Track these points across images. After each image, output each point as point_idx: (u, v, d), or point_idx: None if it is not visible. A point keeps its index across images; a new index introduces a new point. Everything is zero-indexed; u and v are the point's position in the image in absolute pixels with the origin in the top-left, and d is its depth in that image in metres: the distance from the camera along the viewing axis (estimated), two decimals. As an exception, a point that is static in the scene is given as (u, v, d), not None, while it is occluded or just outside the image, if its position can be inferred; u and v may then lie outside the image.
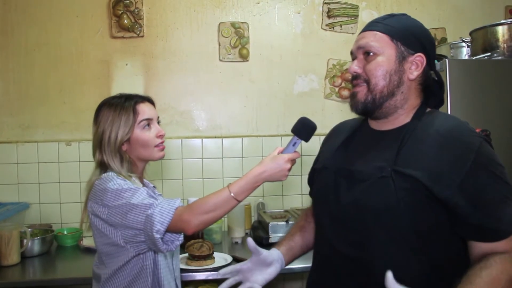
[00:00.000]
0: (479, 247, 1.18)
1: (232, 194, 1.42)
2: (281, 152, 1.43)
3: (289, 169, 1.42)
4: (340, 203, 1.29)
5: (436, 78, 1.37)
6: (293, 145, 1.42)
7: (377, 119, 1.35)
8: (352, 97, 1.34)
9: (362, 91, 1.31)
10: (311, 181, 1.55)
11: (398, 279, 1.19)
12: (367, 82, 1.29)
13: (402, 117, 1.31)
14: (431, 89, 1.34)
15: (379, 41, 1.28)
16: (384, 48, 1.28)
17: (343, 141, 1.42)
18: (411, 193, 1.18)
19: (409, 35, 1.29)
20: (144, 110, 1.63)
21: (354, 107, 1.34)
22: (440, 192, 1.15)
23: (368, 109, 1.31)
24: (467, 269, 1.19)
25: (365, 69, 1.30)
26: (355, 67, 1.32)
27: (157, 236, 1.38)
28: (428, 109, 1.33)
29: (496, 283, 1.09)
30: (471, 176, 1.15)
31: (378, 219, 1.21)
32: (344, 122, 1.56)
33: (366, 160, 1.29)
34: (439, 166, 1.17)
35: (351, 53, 1.37)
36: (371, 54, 1.29)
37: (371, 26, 1.33)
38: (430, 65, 1.32)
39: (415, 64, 1.29)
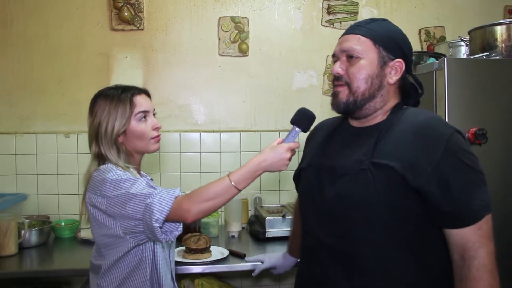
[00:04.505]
0: (452, 236, 1.23)
1: (232, 183, 1.41)
2: (281, 142, 1.45)
3: (289, 159, 1.44)
4: (324, 197, 1.34)
5: (413, 82, 1.42)
6: (293, 135, 1.45)
7: (357, 119, 1.40)
8: (334, 96, 1.39)
9: (343, 91, 1.35)
10: (296, 179, 1.60)
11: (382, 269, 1.23)
12: (349, 84, 1.34)
13: (380, 116, 1.37)
14: (407, 92, 1.40)
15: (362, 45, 1.32)
16: (367, 52, 1.32)
17: (325, 138, 1.48)
18: (388, 183, 1.22)
19: (390, 40, 1.33)
20: (141, 102, 1.63)
21: (335, 106, 1.38)
22: (413, 180, 1.20)
23: (349, 110, 1.36)
24: (449, 259, 1.25)
25: (348, 72, 1.34)
26: (338, 68, 1.36)
27: (156, 225, 1.38)
28: (404, 106, 1.39)
29: None
30: (441, 164, 1.20)
31: (360, 210, 1.26)
32: (325, 121, 1.62)
33: (347, 155, 1.33)
34: (413, 156, 1.22)
35: (333, 55, 1.40)
36: (354, 57, 1.33)
37: (354, 29, 1.37)
38: (407, 69, 1.37)
39: (395, 69, 1.34)
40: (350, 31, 1.38)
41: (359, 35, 1.34)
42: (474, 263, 1.19)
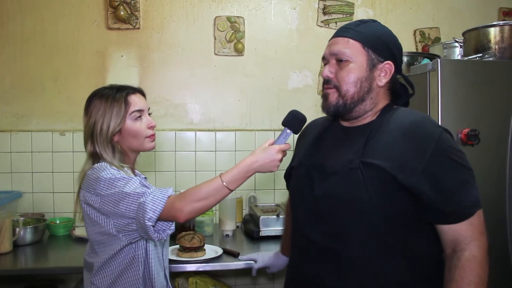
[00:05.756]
0: (445, 232, 1.26)
1: (224, 183, 1.43)
2: (272, 144, 1.47)
3: (280, 160, 1.46)
4: (314, 196, 1.35)
5: (403, 82, 1.44)
6: (284, 137, 1.47)
7: (347, 121, 1.42)
8: (324, 98, 1.40)
9: (333, 94, 1.36)
10: (287, 177, 1.62)
11: (372, 268, 1.25)
12: (338, 88, 1.35)
13: (370, 117, 1.38)
14: (397, 93, 1.42)
15: (351, 48, 1.33)
16: (356, 56, 1.33)
17: (316, 138, 1.49)
18: (378, 182, 1.24)
19: (379, 42, 1.34)
20: (136, 101, 1.64)
21: (325, 109, 1.40)
22: (404, 179, 1.22)
23: (339, 112, 1.37)
24: (438, 259, 1.28)
25: (337, 75, 1.35)
26: (328, 72, 1.37)
27: (149, 223, 1.40)
28: (394, 106, 1.40)
29: None
30: (432, 163, 1.22)
31: (350, 209, 1.27)
32: (316, 120, 1.63)
33: (337, 154, 1.35)
34: (403, 156, 1.23)
35: (323, 58, 1.41)
36: (343, 60, 1.33)
37: (343, 32, 1.37)
38: (397, 70, 1.38)
39: (384, 71, 1.35)
40: (339, 33, 1.38)
41: (348, 38, 1.34)
42: (464, 254, 1.21)
